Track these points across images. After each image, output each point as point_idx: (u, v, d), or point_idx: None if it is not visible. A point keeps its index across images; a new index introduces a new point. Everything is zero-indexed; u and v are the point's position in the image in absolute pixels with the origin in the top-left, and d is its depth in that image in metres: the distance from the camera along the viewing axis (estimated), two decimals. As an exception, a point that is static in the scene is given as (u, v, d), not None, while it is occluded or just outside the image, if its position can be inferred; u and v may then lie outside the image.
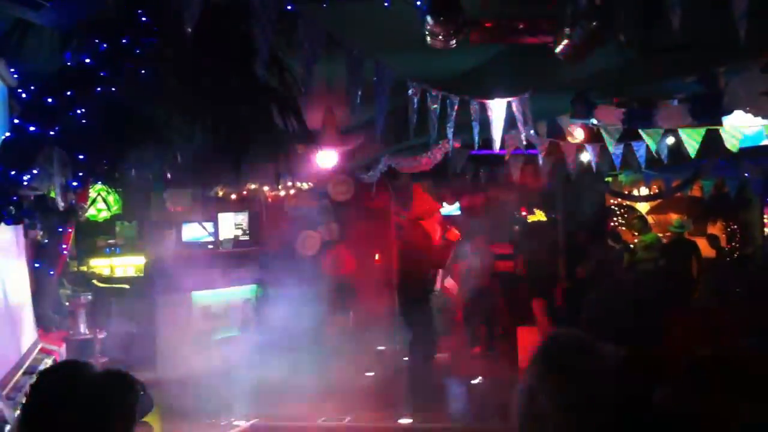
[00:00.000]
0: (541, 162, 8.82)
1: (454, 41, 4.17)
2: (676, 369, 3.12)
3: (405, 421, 7.82)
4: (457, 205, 13.25)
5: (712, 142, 6.46)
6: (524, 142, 6.89)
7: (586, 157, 8.39)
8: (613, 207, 15.86)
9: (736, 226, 14.21)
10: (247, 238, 12.06)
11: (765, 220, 14.18)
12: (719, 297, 10.37)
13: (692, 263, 11.68)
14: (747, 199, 12.55)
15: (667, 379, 3.11)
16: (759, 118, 5.78)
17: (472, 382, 9.57)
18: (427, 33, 4.14)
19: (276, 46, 4.07)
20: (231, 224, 11.97)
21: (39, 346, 6.96)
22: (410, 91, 5.06)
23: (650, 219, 14.55)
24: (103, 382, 2.82)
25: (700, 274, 11.75)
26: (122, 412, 2.77)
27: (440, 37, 4.13)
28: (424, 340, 8.99)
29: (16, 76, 5.64)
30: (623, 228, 15.80)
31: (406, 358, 9.47)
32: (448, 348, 10.85)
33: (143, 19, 4.21)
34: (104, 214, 10.03)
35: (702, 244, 13.88)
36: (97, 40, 4.22)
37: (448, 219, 11.69)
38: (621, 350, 2.38)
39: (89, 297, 8.78)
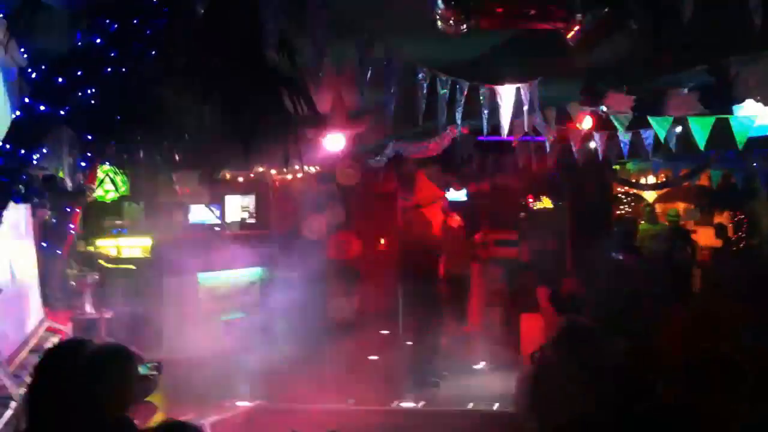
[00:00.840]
0: (548, 149, 8.80)
1: (465, 26, 4.16)
2: (675, 363, 3.15)
3: (408, 404, 7.86)
4: (464, 191, 13.23)
5: (721, 131, 6.43)
6: (526, 129, 6.86)
7: (593, 144, 8.38)
8: (620, 195, 15.81)
9: (743, 216, 14.15)
10: (253, 220, 12.10)
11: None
12: (721, 290, 10.37)
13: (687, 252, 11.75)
14: (754, 189, 12.49)
15: (666, 373, 3.14)
16: (768, 108, 5.77)
17: (475, 367, 9.60)
18: (437, 18, 4.13)
19: (286, 28, 4.06)
20: (238, 207, 12.00)
21: (45, 325, 7.00)
22: (420, 76, 5.05)
23: (657, 208, 14.51)
24: (102, 355, 2.87)
25: (695, 263, 11.82)
26: (121, 382, 2.83)
27: (451, 22, 4.12)
28: (428, 324, 9.01)
29: (26, 56, 5.65)
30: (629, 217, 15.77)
31: (410, 342, 9.51)
32: (451, 332, 10.87)
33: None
34: (112, 195, 10.04)
35: (709, 233, 13.85)
36: (107, 21, 4.22)
37: (454, 205, 11.68)
38: (622, 342, 2.42)
39: (96, 277, 8.82)
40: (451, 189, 12.03)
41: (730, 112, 6.09)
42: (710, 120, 6.30)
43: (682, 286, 10.10)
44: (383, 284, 11.55)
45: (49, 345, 6.05)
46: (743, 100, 5.67)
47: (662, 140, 6.84)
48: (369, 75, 4.47)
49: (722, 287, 10.55)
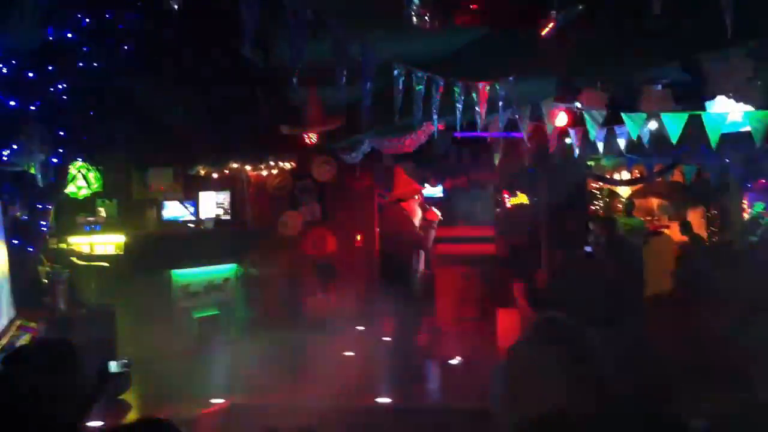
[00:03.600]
0: (524, 145, 8.83)
1: (440, 23, 4.16)
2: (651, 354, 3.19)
3: (384, 400, 7.86)
4: (440, 187, 13.26)
5: (695, 128, 6.49)
6: (501, 126, 6.88)
7: (568, 141, 8.42)
8: (594, 191, 15.93)
9: (716, 212, 14.33)
10: (228, 217, 12.03)
11: (744, 206, 14.32)
12: (691, 287, 10.48)
13: None
14: (727, 185, 12.65)
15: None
16: (741, 104, 5.82)
17: (452, 362, 9.63)
18: (413, 14, 4.12)
19: (262, 25, 4.04)
20: (212, 203, 11.92)
21: (17, 323, 6.91)
22: (395, 72, 5.04)
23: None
24: (43, 361, 2.84)
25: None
26: (64, 385, 2.80)
27: (426, 18, 4.12)
28: (405, 320, 9.02)
29: (-5, 50, 5.56)
30: (603, 213, 15.89)
31: (386, 338, 9.51)
32: (429, 328, 10.89)
33: (126, -6, 4.17)
34: (84, 192, 9.93)
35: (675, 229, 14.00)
36: (79, 15, 4.18)
37: (430, 201, 11.70)
38: (597, 335, 2.43)
39: (68, 274, 8.71)
40: (427, 185, 12.04)
41: (703, 109, 6.15)
42: (683, 116, 6.36)
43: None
44: (360, 280, 11.55)
45: (20, 343, 5.98)
46: (715, 97, 5.72)
47: (635, 137, 6.89)
48: (344, 72, 4.45)
49: (693, 283, 10.67)
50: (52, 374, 2.79)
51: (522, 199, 14.95)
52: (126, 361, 4.00)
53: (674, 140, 6.42)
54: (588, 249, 8.90)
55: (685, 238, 13.46)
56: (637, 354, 3.26)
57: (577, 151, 8.18)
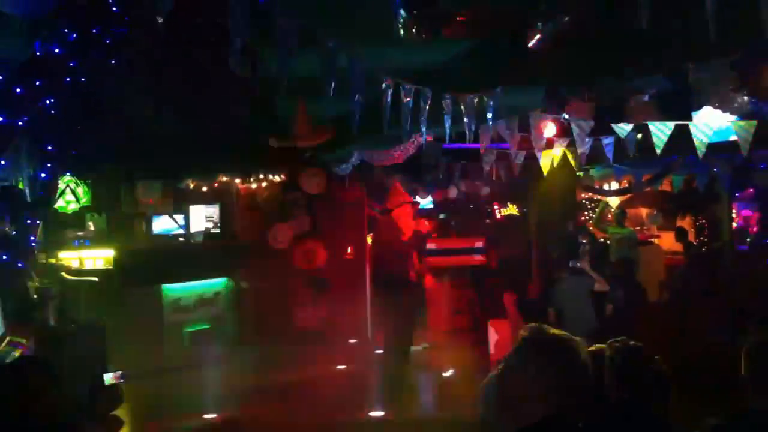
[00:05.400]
0: (513, 156, 8.85)
1: (428, 35, 4.18)
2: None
3: (376, 413, 7.84)
4: (429, 198, 13.27)
5: (682, 137, 6.53)
6: (490, 137, 6.90)
7: (557, 151, 8.45)
8: (584, 201, 15.99)
9: (704, 221, 14.39)
10: (218, 230, 12.00)
11: (733, 216, 14.38)
12: (683, 296, 10.54)
13: None
14: (716, 194, 12.71)
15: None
16: (727, 114, 5.86)
17: (444, 374, 9.62)
18: (400, 26, 4.14)
19: (251, 39, 4.05)
20: (202, 217, 11.90)
21: (7, 339, 6.87)
22: (383, 85, 5.05)
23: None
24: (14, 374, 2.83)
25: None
26: (35, 397, 2.79)
27: (414, 30, 4.14)
28: (399, 332, 9.01)
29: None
30: (592, 223, 15.95)
31: (379, 351, 9.49)
32: (422, 340, 10.89)
33: (114, 8, 4.16)
34: (73, 206, 9.90)
35: (672, 237, 14.05)
36: (66, 30, 4.17)
37: (421, 212, 11.71)
38: (587, 347, 2.44)
39: (58, 290, 8.66)
40: (417, 197, 12.06)
41: (689, 119, 6.18)
42: (670, 126, 6.40)
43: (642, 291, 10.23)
44: (351, 293, 11.53)
45: (10, 359, 5.94)
46: (701, 107, 5.76)
47: (622, 147, 6.93)
48: (332, 84, 4.46)
49: (686, 291, 10.72)
50: (30, 394, 2.79)
51: (512, 210, 15.00)
52: (120, 373, 3.96)
53: (659, 149, 6.46)
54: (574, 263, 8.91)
55: (678, 247, 13.53)
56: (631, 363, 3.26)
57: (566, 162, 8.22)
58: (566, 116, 6.44)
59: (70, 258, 10.39)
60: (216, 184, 11.53)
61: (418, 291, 10.94)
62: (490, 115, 5.63)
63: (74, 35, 4.08)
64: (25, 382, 2.82)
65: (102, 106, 5.04)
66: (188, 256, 11.04)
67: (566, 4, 4.05)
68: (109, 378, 3.72)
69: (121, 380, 7.32)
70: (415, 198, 11.00)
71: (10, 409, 2.74)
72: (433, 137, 8.57)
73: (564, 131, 7.26)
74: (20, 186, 6.48)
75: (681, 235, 13.46)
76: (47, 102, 4.33)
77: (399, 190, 10.29)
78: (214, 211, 11.98)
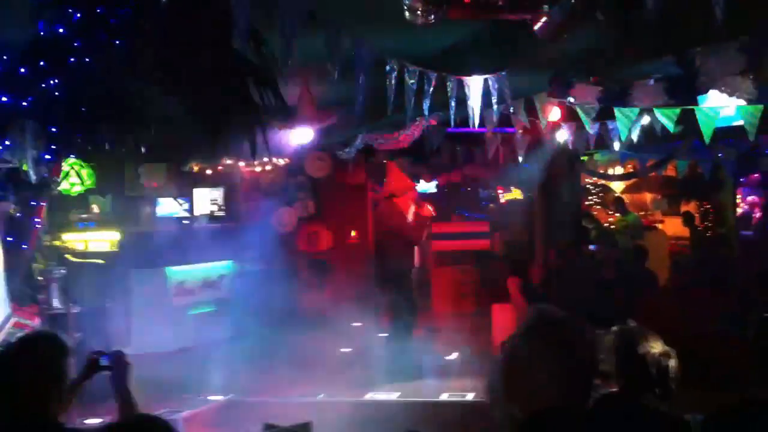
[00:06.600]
0: (518, 140, 8.84)
1: (433, 17, 4.16)
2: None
3: (380, 396, 7.87)
4: (434, 182, 13.27)
5: (688, 122, 6.50)
6: (494, 121, 6.87)
7: (562, 136, 8.43)
8: (588, 186, 15.96)
9: (709, 206, 14.36)
10: (222, 213, 12.01)
11: (737, 201, 14.35)
12: (688, 283, 10.53)
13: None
14: (720, 179, 12.68)
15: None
16: (734, 98, 5.83)
17: (448, 357, 9.64)
18: (406, 8, 4.12)
19: (254, 19, 4.03)
20: (206, 200, 11.90)
21: (12, 321, 6.90)
22: (388, 68, 5.04)
23: (625, 198, 14.67)
24: (32, 348, 2.86)
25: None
26: (52, 371, 2.82)
27: (419, 12, 4.11)
28: (402, 316, 9.02)
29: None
30: (598, 207, 15.93)
31: (382, 334, 9.51)
32: (425, 324, 10.90)
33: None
34: (77, 188, 9.91)
35: (676, 223, 14.03)
36: (71, 10, 4.15)
37: (424, 196, 11.70)
38: (592, 330, 2.44)
39: (63, 271, 8.69)
40: (421, 180, 12.06)
41: (696, 103, 6.15)
42: (676, 111, 6.37)
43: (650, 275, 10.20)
44: (354, 276, 11.54)
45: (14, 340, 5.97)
46: (707, 91, 5.73)
47: (627, 131, 6.90)
48: (337, 67, 4.44)
49: (693, 278, 10.72)
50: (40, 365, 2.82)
51: (516, 194, 14.98)
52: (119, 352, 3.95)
53: (673, 130, 6.41)
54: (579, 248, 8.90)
55: (682, 232, 13.50)
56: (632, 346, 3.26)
57: (570, 146, 8.19)
58: (571, 100, 6.41)
59: (74, 240, 10.43)
60: (220, 167, 11.52)
61: (422, 275, 10.97)
62: (495, 99, 5.62)
63: (78, 15, 4.07)
64: (36, 353, 2.85)
65: (106, 89, 5.03)
66: (193, 239, 11.05)
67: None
68: (109, 357, 3.73)
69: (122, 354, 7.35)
70: (418, 182, 10.99)
71: (22, 378, 2.77)
72: (438, 121, 8.56)
73: (569, 115, 7.23)
74: (24, 167, 6.48)
75: (688, 219, 13.43)
76: (52, 83, 4.33)
77: (398, 174, 10.28)
78: (218, 194, 11.99)
